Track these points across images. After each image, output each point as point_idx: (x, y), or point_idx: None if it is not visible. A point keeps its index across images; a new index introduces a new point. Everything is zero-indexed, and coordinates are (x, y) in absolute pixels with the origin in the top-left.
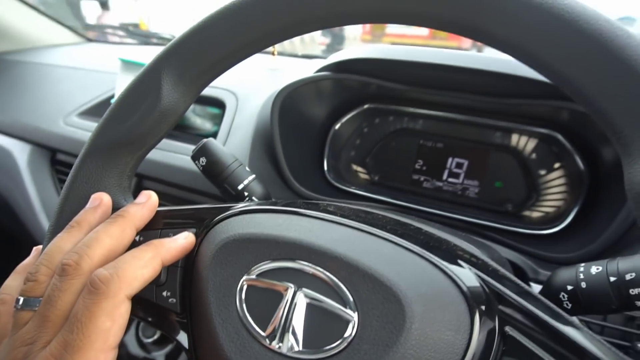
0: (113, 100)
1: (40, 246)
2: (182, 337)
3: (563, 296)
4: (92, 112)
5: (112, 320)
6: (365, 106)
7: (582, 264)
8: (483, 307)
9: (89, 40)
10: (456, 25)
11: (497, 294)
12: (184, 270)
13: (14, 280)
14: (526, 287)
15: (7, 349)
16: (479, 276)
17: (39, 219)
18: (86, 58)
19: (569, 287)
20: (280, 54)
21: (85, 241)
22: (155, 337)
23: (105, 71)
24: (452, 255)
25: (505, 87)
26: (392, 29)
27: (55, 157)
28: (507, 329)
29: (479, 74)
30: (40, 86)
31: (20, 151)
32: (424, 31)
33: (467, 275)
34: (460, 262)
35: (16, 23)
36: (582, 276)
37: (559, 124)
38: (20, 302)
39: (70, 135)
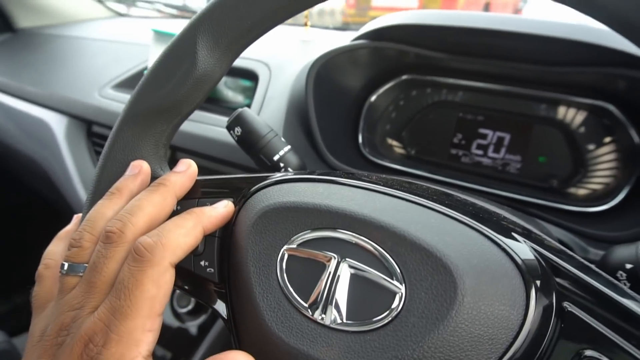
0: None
1: (81, 214)
2: (220, 307)
3: (621, 275)
4: (126, 84)
5: (157, 288)
6: (403, 77)
7: None
8: (539, 281)
9: (121, 14)
10: None
11: (554, 267)
12: (221, 240)
13: (57, 246)
14: (584, 261)
15: (55, 313)
16: (533, 248)
17: (76, 190)
18: (119, 31)
19: (628, 266)
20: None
21: (128, 208)
22: (190, 307)
23: (138, 43)
24: (504, 227)
25: (554, 53)
26: (379, 1)
27: (91, 129)
28: (566, 304)
29: (526, 38)
30: (76, 59)
31: (57, 123)
32: (412, 3)
33: (521, 248)
34: (513, 234)
35: None
36: None
37: (611, 94)
38: (66, 267)
39: (106, 107)
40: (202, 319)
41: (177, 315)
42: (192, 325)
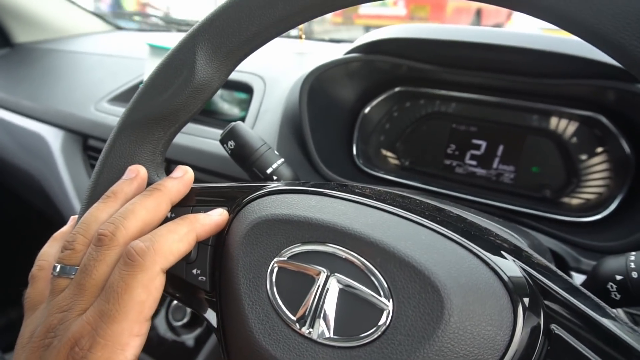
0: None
1: (77, 215)
2: (211, 316)
3: (611, 286)
4: (121, 97)
5: (147, 293)
6: (396, 89)
7: (633, 253)
8: (527, 302)
9: (118, 28)
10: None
11: (543, 288)
12: (214, 249)
13: (51, 247)
14: (573, 282)
15: (44, 314)
16: (522, 269)
17: (71, 203)
18: (115, 46)
19: (618, 277)
20: (307, 38)
21: (121, 212)
22: (185, 320)
23: (134, 57)
24: (495, 245)
25: (545, 66)
26: (365, 9)
27: (87, 143)
28: (553, 327)
29: (517, 52)
30: (72, 74)
31: (53, 137)
32: (400, 11)
33: (511, 267)
34: (503, 253)
35: (48, 12)
36: (633, 265)
37: (602, 106)
38: (57, 269)
39: (101, 121)
40: (197, 332)
41: (172, 328)
42: (188, 339)
